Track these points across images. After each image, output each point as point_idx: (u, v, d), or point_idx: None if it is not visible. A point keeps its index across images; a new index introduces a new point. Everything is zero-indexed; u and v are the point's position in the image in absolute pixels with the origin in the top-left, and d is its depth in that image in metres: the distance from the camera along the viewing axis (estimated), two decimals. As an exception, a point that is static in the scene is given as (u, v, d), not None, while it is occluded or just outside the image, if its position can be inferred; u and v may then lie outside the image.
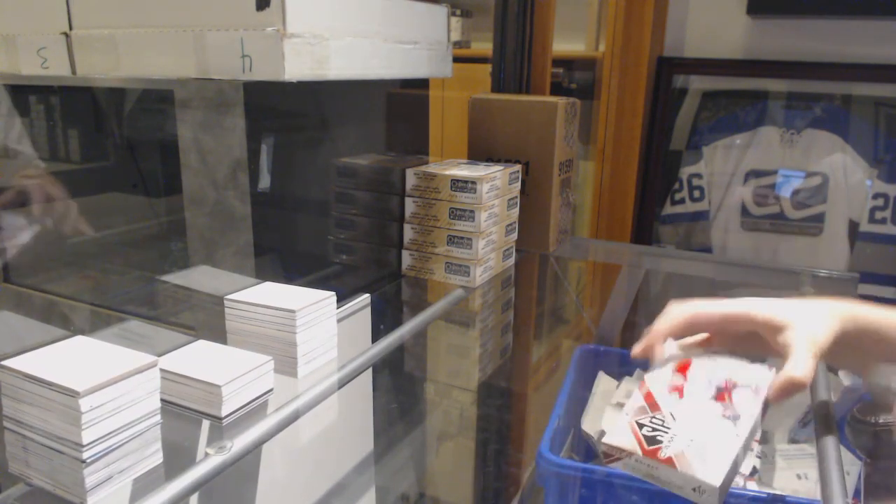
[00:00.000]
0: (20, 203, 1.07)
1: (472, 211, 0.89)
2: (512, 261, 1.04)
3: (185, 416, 0.58)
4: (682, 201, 1.75)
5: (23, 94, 1.12)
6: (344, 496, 0.88)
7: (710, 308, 0.62)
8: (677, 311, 0.63)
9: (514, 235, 1.03)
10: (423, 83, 1.15)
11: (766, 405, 0.56)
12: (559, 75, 1.99)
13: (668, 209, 1.77)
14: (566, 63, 2.00)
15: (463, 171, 0.92)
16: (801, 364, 0.54)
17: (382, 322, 0.83)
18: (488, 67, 1.27)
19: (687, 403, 0.57)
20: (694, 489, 0.51)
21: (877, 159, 1.60)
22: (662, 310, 0.65)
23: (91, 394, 0.47)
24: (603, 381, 1.20)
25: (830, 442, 0.63)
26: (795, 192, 1.66)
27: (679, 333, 0.63)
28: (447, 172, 0.91)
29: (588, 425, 1.09)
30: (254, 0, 0.65)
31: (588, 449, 1.11)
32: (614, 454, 0.55)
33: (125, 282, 1.09)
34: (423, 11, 0.89)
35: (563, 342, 1.66)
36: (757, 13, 1.65)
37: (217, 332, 0.69)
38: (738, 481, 0.97)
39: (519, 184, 1.01)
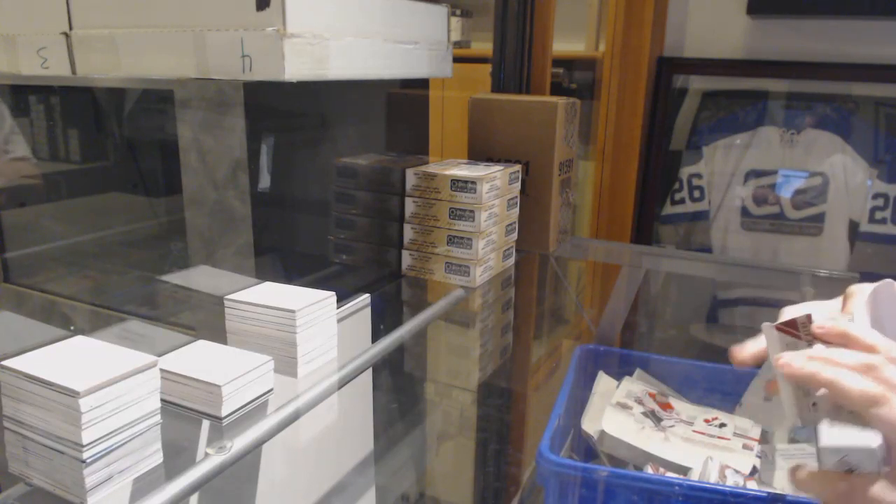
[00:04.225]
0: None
1: (472, 211, 0.89)
2: (512, 261, 1.04)
3: (185, 416, 0.58)
4: (682, 201, 1.75)
5: (23, 94, 1.12)
6: (344, 496, 0.88)
7: None
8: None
9: (514, 235, 1.03)
10: (423, 83, 1.15)
11: None
12: (559, 75, 1.99)
13: (668, 209, 1.77)
14: (566, 63, 2.00)
15: (463, 171, 0.92)
16: None
17: (382, 322, 0.83)
18: (488, 67, 1.27)
19: None
20: None
21: (877, 159, 1.60)
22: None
23: (91, 394, 0.47)
24: (603, 381, 1.20)
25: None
26: (795, 192, 1.66)
27: None
28: (447, 172, 0.91)
29: (588, 425, 1.09)
30: (254, 0, 0.65)
31: (588, 449, 1.11)
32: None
33: (125, 282, 1.09)
34: (423, 11, 0.89)
35: (563, 342, 1.66)
36: (757, 13, 1.65)
37: (217, 332, 0.69)
38: (739, 481, 0.97)
39: (519, 184, 1.00)
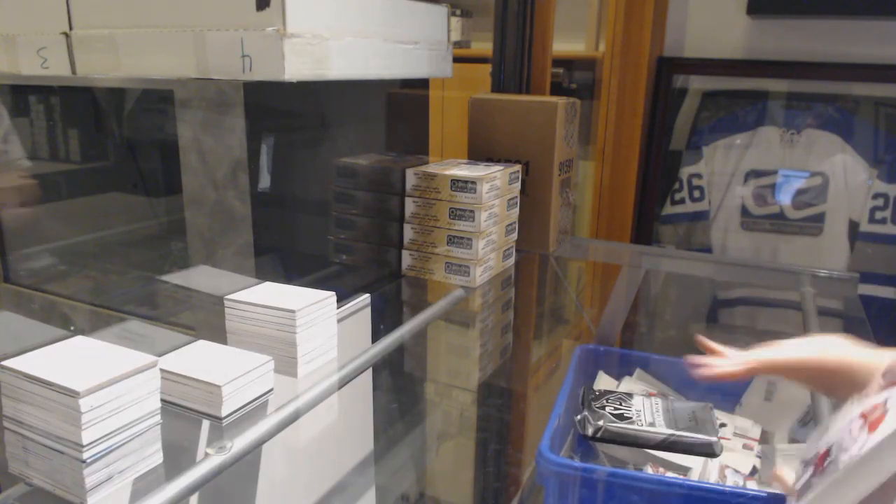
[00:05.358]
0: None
1: (472, 211, 0.89)
2: (512, 261, 1.04)
3: (185, 416, 0.58)
4: (682, 201, 1.75)
5: (23, 94, 1.12)
6: (344, 496, 0.88)
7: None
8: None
9: (514, 235, 1.03)
10: (423, 83, 1.15)
11: None
12: (559, 75, 1.99)
13: (668, 209, 1.77)
14: (566, 63, 2.00)
15: (463, 171, 0.92)
16: None
17: (382, 322, 0.83)
18: (488, 67, 1.27)
19: None
20: None
21: (877, 159, 1.60)
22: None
23: (91, 394, 0.47)
24: (603, 382, 1.20)
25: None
26: (795, 192, 1.66)
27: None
28: (447, 172, 0.91)
29: (588, 425, 1.09)
30: (254, 0, 0.65)
31: (588, 448, 1.11)
32: None
33: (125, 282, 1.09)
34: (423, 11, 0.89)
35: (563, 342, 1.66)
36: (757, 13, 1.65)
37: (217, 332, 0.68)
38: (739, 481, 0.97)
39: (519, 184, 1.00)
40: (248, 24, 0.65)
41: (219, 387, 0.56)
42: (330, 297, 0.68)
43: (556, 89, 1.87)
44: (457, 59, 1.00)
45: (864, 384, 0.53)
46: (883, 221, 1.59)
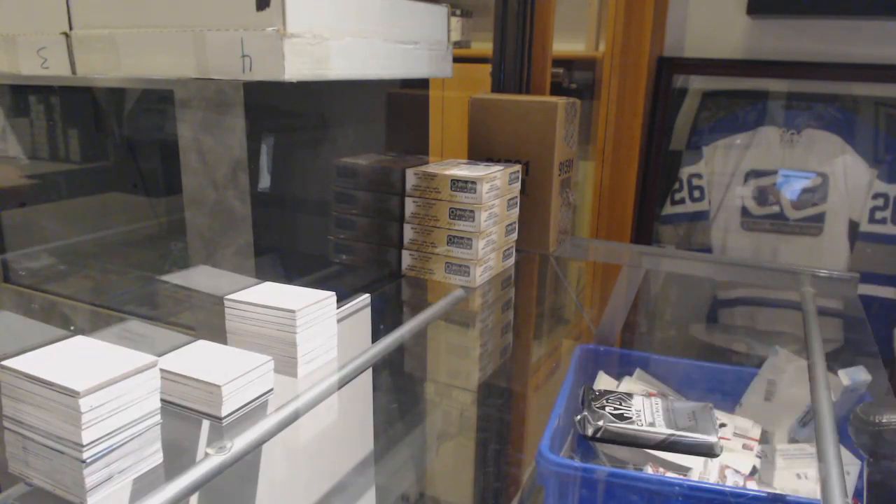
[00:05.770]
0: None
1: (472, 211, 0.89)
2: (512, 261, 1.04)
3: (185, 416, 0.58)
4: (682, 201, 1.75)
5: (23, 94, 1.12)
6: (344, 496, 0.88)
7: None
8: None
9: (514, 235, 1.03)
10: (423, 83, 1.15)
11: None
12: (559, 75, 1.99)
13: (668, 209, 1.77)
14: (566, 63, 2.00)
15: (463, 171, 0.92)
16: None
17: (382, 322, 0.83)
18: (488, 67, 1.27)
19: None
20: None
21: (877, 159, 1.60)
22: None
23: (91, 394, 0.47)
24: (603, 382, 1.20)
25: (830, 442, 0.63)
26: (795, 193, 1.66)
27: None
28: (447, 172, 0.91)
29: (588, 425, 1.09)
30: (254, 0, 0.65)
31: (588, 448, 1.11)
32: None
33: (125, 282, 1.10)
34: (423, 11, 0.89)
35: (563, 342, 1.66)
36: (757, 13, 1.65)
37: (217, 332, 0.69)
38: (739, 481, 0.97)
39: (519, 184, 1.01)
40: (248, 24, 0.65)
41: (219, 387, 0.56)
42: (330, 297, 0.69)
43: (556, 89, 1.87)
44: (457, 59, 1.00)
45: None
46: (883, 221, 1.59)
